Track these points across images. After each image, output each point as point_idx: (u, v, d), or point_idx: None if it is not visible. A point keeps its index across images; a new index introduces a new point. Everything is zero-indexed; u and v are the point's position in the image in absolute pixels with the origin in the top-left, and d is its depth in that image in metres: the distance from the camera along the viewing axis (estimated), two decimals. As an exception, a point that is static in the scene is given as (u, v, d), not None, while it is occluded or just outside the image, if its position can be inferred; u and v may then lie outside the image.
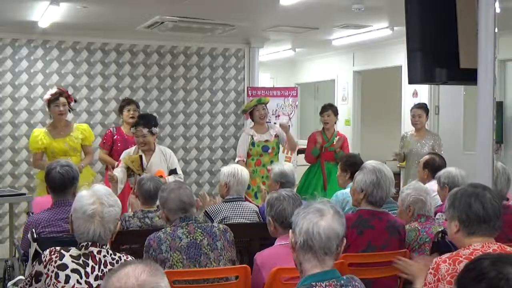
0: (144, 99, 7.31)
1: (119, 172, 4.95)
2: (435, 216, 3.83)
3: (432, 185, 4.39)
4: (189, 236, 3.11)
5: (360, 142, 8.95)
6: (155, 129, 5.10)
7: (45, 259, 2.40)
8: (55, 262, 2.38)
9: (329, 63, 9.72)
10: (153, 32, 6.70)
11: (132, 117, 5.74)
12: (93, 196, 2.50)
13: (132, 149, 5.17)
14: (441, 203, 4.19)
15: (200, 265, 3.08)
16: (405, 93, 7.87)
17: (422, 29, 4.24)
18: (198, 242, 3.11)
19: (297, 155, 7.56)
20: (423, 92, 7.55)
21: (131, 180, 4.99)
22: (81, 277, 2.38)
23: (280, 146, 6.29)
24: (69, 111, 5.70)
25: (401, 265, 2.85)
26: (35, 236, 3.29)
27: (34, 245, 3.21)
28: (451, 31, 4.10)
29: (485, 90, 3.67)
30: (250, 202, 4.66)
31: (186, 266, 3.06)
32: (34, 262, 2.48)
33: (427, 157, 5.05)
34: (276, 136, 6.15)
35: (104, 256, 2.45)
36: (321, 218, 2.16)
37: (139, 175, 4.85)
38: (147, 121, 5.08)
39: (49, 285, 2.35)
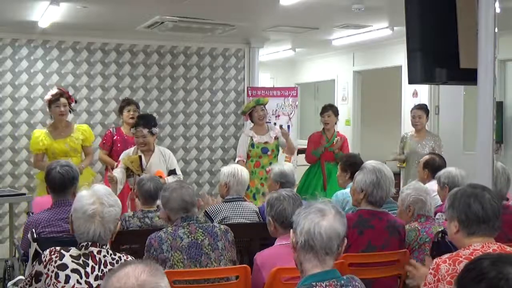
0: (144, 99, 7.31)
1: (118, 172, 4.95)
2: (435, 216, 3.83)
3: (432, 185, 4.39)
4: (190, 236, 3.11)
5: (360, 142, 8.95)
6: (155, 129, 5.10)
7: (45, 259, 2.40)
8: (55, 262, 2.38)
9: (329, 63, 9.72)
10: (153, 32, 6.70)
11: (132, 118, 5.73)
12: (93, 196, 2.50)
13: (131, 150, 5.17)
14: (441, 203, 4.19)
15: (201, 265, 3.08)
16: (405, 93, 7.87)
17: (422, 29, 4.25)
18: (199, 242, 3.11)
19: (297, 155, 7.56)
20: (423, 92, 7.55)
21: (130, 181, 4.99)
22: (81, 277, 2.38)
23: (280, 148, 6.29)
24: (70, 111, 5.70)
25: (410, 270, 2.86)
26: (35, 236, 3.29)
27: (34, 245, 3.21)
28: (451, 31, 4.10)
29: (485, 90, 3.67)
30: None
31: (187, 266, 3.06)
32: (34, 262, 2.48)
33: (427, 157, 5.05)
34: (276, 138, 6.15)
35: (104, 256, 2.45)
36: (323, 218, 2.16)
37: (139, 175, 4.84)
38: (147, 121, 5.08)
39: (49, 285, 2.35)
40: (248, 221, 3.96)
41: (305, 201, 2.97)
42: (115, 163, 5.32)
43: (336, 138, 6.33)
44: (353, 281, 2.19)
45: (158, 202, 4.12)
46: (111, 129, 6.00)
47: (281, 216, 3.09)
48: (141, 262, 1.74)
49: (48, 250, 2.43)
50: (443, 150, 6.11)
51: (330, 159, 6.30)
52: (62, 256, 2.40)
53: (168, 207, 3.24)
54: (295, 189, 4.42)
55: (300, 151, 7.60)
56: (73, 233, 2.53)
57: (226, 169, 4.20)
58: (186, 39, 7.36)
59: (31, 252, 3.23)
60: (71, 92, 6.21)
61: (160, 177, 4.85)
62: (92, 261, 2.42)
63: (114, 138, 5.85)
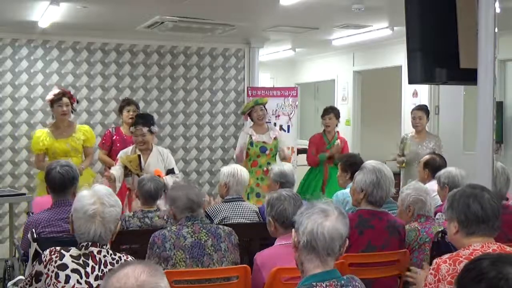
0: (144, 99, 7.31)
1: (117, 170, 4.92)
2: (435, 216, 3.83)
3: (432, 185, 4.39)
4: (193, 236, 3.12)
5: (360, 142, 8.94)
6: (154, 128, 5.10)
7: (45, 259, 2.40)
8: (55, 262, 2.38)
9: (329, 63, 9.72)
10: (153, 32, 6.71)
11: (132, 118, 5.72)
12: (94, 196, 2.50)
13: (129, 149, 5.14)
14: (441, 203, 4.19)
15: (203, 265, 3.08)
16: (405, 93, 7.87)
17: (422, 29, 4.25)
18: (202, 242, 3.11)
19: (297, 155, 7.57)
20: (423, 92, 7.55)
21: (128, 180, 4.97)
22: (81, 277, 2.38)
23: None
24: (72, 111, 5.70)
25: (411, 276, 2.87)
26: (35, 236, 3.29)
27: (34, 245, 3.21)
28: (451, 31, 4.10)
29: (485, 90, 3.67)
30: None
31: (189, 265, 3.06)
32: (34, 262, 2.48)
33: (427, 157, 5.05)
34: (275, 138, 6.13)
35: (104, 256, 2.45)
36: (326, 218, 2.16)
37: (137, 175, 4.84)
38: (146, 120, 5.08)
39: (49, 285, 2.35)
40: (248, 221, 3.96)
41: (306, 201, 2.98)
42: (114, 163, 5.31)
43: (337, 141, 6.33)
44: (353, 281, 2.19)
45: (158, 202, 4.14)
46: (110, 129, 6.00)
47: (281, 216, 3.09)
48: (141, 262, 1.74)
49: (48, 250, 2.43)
50: (443, 150, 6.10)
51: (330, 162, 6.30)
52: (62, 256, 2.40)
53: (174, 205, 3.24)
54: (294, 189, 4.42)
55: (300, 151, 7.61)
56: (73, 233, 2.53)
57: (225, 169, 4.20)
58: (186, 39, 7.36)
59: (31, 252, 3.23)
60: (71, 92, 6.20)
61: (159, 176, 4.86)
62: (92, 261, 2.42)
63: (114, 138, 5.85)
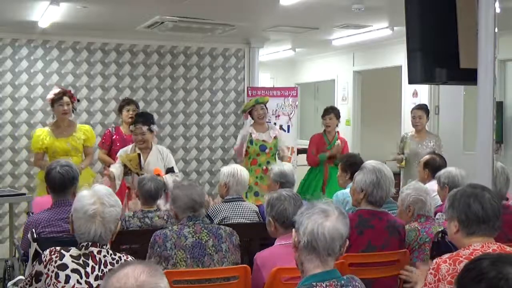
0: (144, 99, 7.31)
1: (116, 168, 4.92)
2: (435, 216, 3.83)
3: (432, 185, 4.39)
4: (194, 236, 3.12)
5: (360, 142, 8.94)
6: (154, 127, 5.09)
7: (45, 259, 2.40)
8: (55, 262, 2.38)
9: (329, 63, 9.72)
10: (153, 32, 6.70)
11: (131, 117, 5.73)
12: (94, 196, 2.50)
13: (129, 147, 5.13)
14: (441, 203, 4.19)
15: (203, 265, 3.08)
16: (405, 93, 7.87)
17: (422, 29, 4.25)
18: (203, 242, 3.11)
19: (297, 155, 7.57)
20: (423, 92, 7.55)
21: (128, 179, 4.96)
22: (81, 277, 2.38)
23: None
24: (73, 110, 5.70)
25: (407, 275, 2.84)
26: (35, 236, 3.29)
27: (34, 245, 3.21)
28: (451, 31, 4.10)
29: (485, 90, 3.67)
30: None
31: (190, 265, 3.06)
32: (34, 262, 2.48)
33: (427, 157, 5.05)
34: (275, 137, 6.14)
35: (104, 256, 2.45)
36: (326, 219, 2.16)
37: (137, 174, 4.84)
38: (146, 118, 5.07)
39: (49, 285, 2.35)
40: (248, 221, 3.96)
41: (306, 201, 2.97)
42: (114, 162, 5.31)
43: (337, 142, 6.33)
44: (353, 281, 2.19)
45: (158, 202, 4.14)
46: (110, 129, 6.00)
47: (282, 216, 3.09)
48: (141, 262, 1.74)
49: (48, 250, 2.43)
50: (443, 150, 6.10)
51: (330, 162, 6.30)
52: (62, 256, 2.40)
53: (176, 204, 3.25)
54: (294, 189, 4.42)
55: (300, 151, 7.61)
56: (73, 233, 2.53)
57: (225, 169, 4.20)
58: (186, 39, 7.36)
59: (31, 252, 3.23)
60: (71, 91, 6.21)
61: (158, 175, 4.85)
62: (92, 261, 2.42)
63: (113, 137, 5.86)
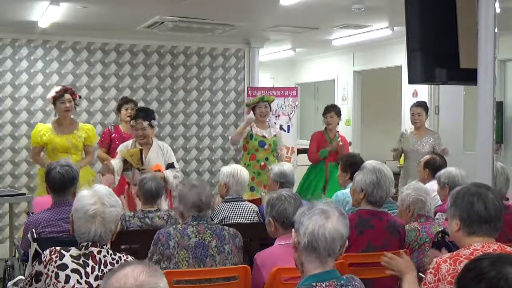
0: (144, 99, 7.31)
1: (116, 163, 4.90)
2: (435, 216, 3.83)
3: (432, 185, 4.39)
4: (198, 236, 3.11)
5: (360, 142, 8.94)
6: (155, 122, 5.09)
7: (45, 259, 2.40)
8: (55, 262, 2.38)
9: (329, 63, 9.72)
10: (153, 32, 6.71)
11: (130, 116, 5.74)
12: (94, 196, 2.50)
13: (129, 143, 5.11)
14: (441, 203, 4.19)
15: (205, 266, 3.08)
16: (405, 93, 7.87)
17: (422, 29, 4.25)
18: (206, 243, 3.11)
19: (297, 155, 7.57)
20: (423, 92, 7.55)
21: (128, 174, 4.94)
22: (81, 277, 2.38)
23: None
24: (75, 107, 5.70)
25: (387, 262, 2.78)
26: (35, 236, 3.29)
27: (34, 245, 3.21)
28: (451, 31, 4.10)
29: (485, 90, 3.67)
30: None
31: (191, 265, 3.06)
32: (34, 262, 2.48)
33: (427, 157, 5.06)
34: (275, 135, 6.17)
35: (104, 256, 2.45)
36: (327, 220, 2.16)
37: (138, 169, 4.83)
38: (146, 114, 5.06)
39: (49, 285, 2.35)
40: (248, 221, 3.96)
41: (306, 201, 2.97)
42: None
43: (338, 139, 6.36)
44: (353, 281, 2.19)
45: (159, 202, 4.14)
46: (109, 127, 6.01)
47: (282, 216, 3.09)
48: (140, 262, 1.75)
49: (48, 250, 2.43)
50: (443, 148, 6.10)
51: (333, 160, 6.31)
52: (62, 256, 2.40)
53: (183, 202, 3.24)
54: (294, 189, 4.42)
55: (300, 151, 7.61)
56: (73, 233, 2.53)
57: (225, 169, 4.20)
58: (186, 39, 7.36)
59: (31, 252, 3.23)
60: (72, 90, 6.21)
61: (159, 170, 4.85)
62: (92, 261, 2.42)
63: (112, 135, 5.85)
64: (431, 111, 7.18)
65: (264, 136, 6.09)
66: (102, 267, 2.42)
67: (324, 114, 6.52)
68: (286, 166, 4.49)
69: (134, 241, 3.57)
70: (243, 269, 3.07)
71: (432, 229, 3.54)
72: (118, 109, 6.07)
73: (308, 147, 6.67)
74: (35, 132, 5.55)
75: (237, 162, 6.95)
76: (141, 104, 6.81)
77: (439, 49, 4.19)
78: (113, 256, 2.47)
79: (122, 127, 5.93)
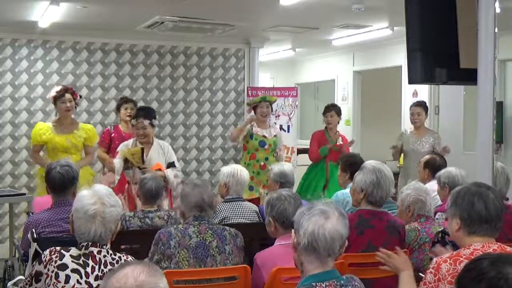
0: (144, 99, 7.31)
1: (117, 162, 4.90)
2: (435, 216, 3.83)
3: (432, 185, 4.39)
4: (199, 236, 3.11)
5: (360, 142, 8.94)
6: (155, 121, 5.09)
7: (45, 259, 2.40)
8: (55, 262, 2.38)
9: (329, 63, 9.72)
10: (153, 32, 6.71)
11: (129, 116, 5.75)
12: (94, 196, 2.50)
13: (129, 142, 5.10)
14: (441, 203, 4.19)
15: (205, 266, 3.08)
16: (405, 93, 7.87)
17: (422, 29, 4.25)
18: (207, 243, 3.11)
19: (297, 155, 7.57)
20: (423, 92, 7.55)
21: (129, 173, 4.94)
22: (81, 277, 2.38)
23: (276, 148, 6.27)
24: (75, 106, 5.70)
25: (382, 257, 2.78)
26: (35, 236, 3.29)
27: (34, 245, 3.21)
28: (451, 31, 4.11)
29: (485, 90, 3.67)
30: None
31: (192, 265, 3.06)
32: (34, 262, 2.48)
33: (427, 156, 5.06)
34: (275, 135, 6.18)
35: (104, 256, 2.45)
36: (326, 220, 2.16)
37: (139, 168, 4.82)
38: (147, 113, 5.06)
39: (49, 285, 2.35)
40: (248, 221, 3.96)
41: (305, 201, 2.97)
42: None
43: (339, 138, 6.39)
44: (353, 281, 2.19)
45: (159, 202, 4.14)
46: (109, 127, 6.01)
47: (282, 216, 3.09)
48: (140, 262, 1.75)
49: (48, 250, 2.43)
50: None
51: (333, 159, 6.31)
52: (62, 256, 2.40)
53: (185, 201, 3.23)
54: (294, 189, 4.42)
55: (300, 151, 7.61)
56: (73, 233, 2.53)
57: (225, 169, 4.20)
58: (186, 39, 7.36)
59: (31, 252, 3.23)
60: (72, 90, 6.21)
61: (159, 169, 4.85)
62: (92, 261, 2.42)
63: (112, 135, 5.86)
64: (431, 111, 7.18)
65: (264, 136, 6.09)
66: (102, 267, 2.42)
67: (324, 114, 6.54)
68: (286, 166, 4.50)
69: (134, 241, 3.57)
70: (243, 269, 3.07)
71: (432, 229, 3.54)
72: (118, 109, 6.08)
73: (308, 147, 6.68)
74: (35, 130, 5.56)
75: (237, 162, 6.95)
76: (141, 104, 6.81)
77: (439, 49, 4.19)
78: (113, 256, 2.47)
79: (122, 126, 5.93)
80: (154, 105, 7.38)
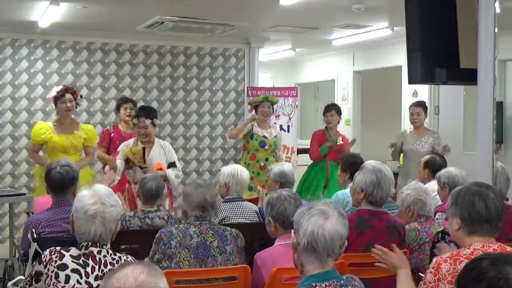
0: (144, 99, 7.31)
1: (118, 163, 4.90)
2: (435, 216, 3.83)
3: (432, 185, 4.39)
4: (200, 236, 3.11)
5: (360, 142, 8.91)
6: (157, 121, 5.09)
7: (45, 259, 2.40)
8: (55, 262, 2.38)
9: (329, 63, 9.72)
10: (153, 32, 6.71)
11: (129, 115, 5.75)
12: (94, 196, 2.50)
13: (130, 141, 5.10)
14: (441, 203, 4.19)
15: (206, 266, 3.08)
16: (405, 93, 7.87)
17: (422, 29, 4.25)
18: (208, 243, 3.11)
19: (297, 155, 7.57)
20: (423, 92, 7.55)
21: (130, 172, 4.94)
22: (81, 277, 2.38)
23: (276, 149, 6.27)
24: (76, 106, 5.70)
25: (378, 255, 2.78)
26: (35, 236, 3.29)
27: (34, 245, 3.21)
28: (451, 31, 4.11)
29: (485, 90, 3.67)
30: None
31: (193, 265, 3.06)
32: (34, 262, 2.48)
33: (428, 156, 5.06)
34: (275, 136, 6.18)
35: (104, 256, 2.45)
36: (326, 220, 2.16)
37: (140, 167, 4.82)
38: (149, 112, 5.06)
39: (49, 285, 2.35)
40: (248, 221, 3.96)
41: (305, 201, 2.97)
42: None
43: (339, 138, 6.38)
44: (353, 281, 2.19)
45: (160, 201, 4.14)
46: (108, 127, 6.01)
47: (282, 216, 3.09)
48: (140, 262, 1.75)
49: (48, 250, 2.43)
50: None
51: (333, 158, 6.31)
52: (62, 256, 2.40)
53: (187, 201, 3.24)
54: (294, 189, 4.42)
55: (300, 151, 7.61)
56: (73, 233, 2.53)
57: (225, 169, 4.20)
58: (186, 39, 7.36)
59: (31, 252, 3.23)
60: (72, 89, 6.21)
61: (160, 169, 4.85)
62: (92, 261, 2.42)
63: (112, 135, 5.86)
64: (431, 111, 7.18)
65: (265, 136, 6.10)
66: (102, 267, 2.42)
67: (324, 113, 6.54)
68: (286, 166, 4.50)
69: (134, 241, 3.57)
70: (243, 269, 3.07)
71: (432, 229, 3.54)
72: (117, 109, 6.07)
73: (308, 147, 6.68)
74: (35, 129, 5.56)
75: (237, 162, 6.95)
76: (140, 104, 6.80)
77: (439, 49, 4.19)
78: (113, 256, 2.47)
79: (121, 126, 5.93)
80: (154, 105, 7.37)
